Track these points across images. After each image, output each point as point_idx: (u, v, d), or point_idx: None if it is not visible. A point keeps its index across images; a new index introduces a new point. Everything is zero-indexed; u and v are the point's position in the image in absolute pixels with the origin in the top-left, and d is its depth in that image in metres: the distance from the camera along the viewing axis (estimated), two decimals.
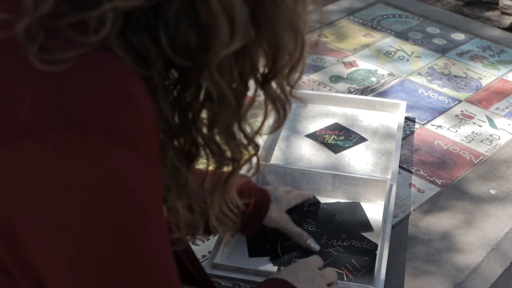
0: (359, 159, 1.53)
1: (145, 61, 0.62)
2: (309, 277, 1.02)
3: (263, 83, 0.72)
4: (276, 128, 0.79)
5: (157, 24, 0.61)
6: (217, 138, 0.72)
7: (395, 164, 1.44)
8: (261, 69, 0.70)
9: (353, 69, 1.90)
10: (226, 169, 0.77)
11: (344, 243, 1.27)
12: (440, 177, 1.49)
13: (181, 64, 0.64)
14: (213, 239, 1.28)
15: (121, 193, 0.60)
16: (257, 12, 0.64)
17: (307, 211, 1.32)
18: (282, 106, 0.75)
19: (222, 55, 0.63)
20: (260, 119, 0.77)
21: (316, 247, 1.23)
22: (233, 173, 0.78)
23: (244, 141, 0.74)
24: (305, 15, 0.69)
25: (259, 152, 0.81)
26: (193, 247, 1.28)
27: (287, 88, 0.74)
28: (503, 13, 3.50)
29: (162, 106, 0.66)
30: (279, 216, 1.24)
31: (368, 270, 1.21)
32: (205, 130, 0.71)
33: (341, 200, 1.40)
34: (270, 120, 0.78)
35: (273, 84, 0.73)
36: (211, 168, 0.78)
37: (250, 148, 0.76)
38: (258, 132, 0.76)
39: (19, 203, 0.59)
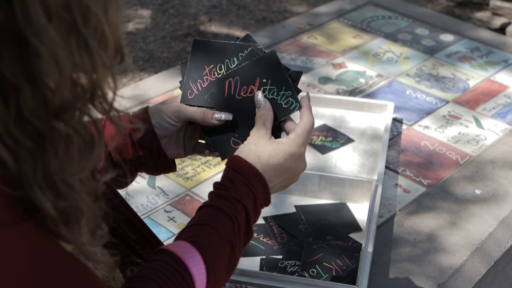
0: (346, 160, 1.54)
1: None
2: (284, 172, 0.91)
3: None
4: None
5: None
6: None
7: (381, 165, 1.45)
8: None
9: (342, 70, 1.91)
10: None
11: (330, 243, 1.28)
12: (426, 178, 1.50)
13: None
14: None
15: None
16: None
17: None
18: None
19: None
20: None
21: (229, 116, 0.97)
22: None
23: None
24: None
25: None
26: None
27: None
28: (493, 14, 3.51)
29: None
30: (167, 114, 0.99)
31: (355, 268, 1.23)
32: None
33: (328, 201, 1.41)
34: None
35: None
36: None
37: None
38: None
39: None
